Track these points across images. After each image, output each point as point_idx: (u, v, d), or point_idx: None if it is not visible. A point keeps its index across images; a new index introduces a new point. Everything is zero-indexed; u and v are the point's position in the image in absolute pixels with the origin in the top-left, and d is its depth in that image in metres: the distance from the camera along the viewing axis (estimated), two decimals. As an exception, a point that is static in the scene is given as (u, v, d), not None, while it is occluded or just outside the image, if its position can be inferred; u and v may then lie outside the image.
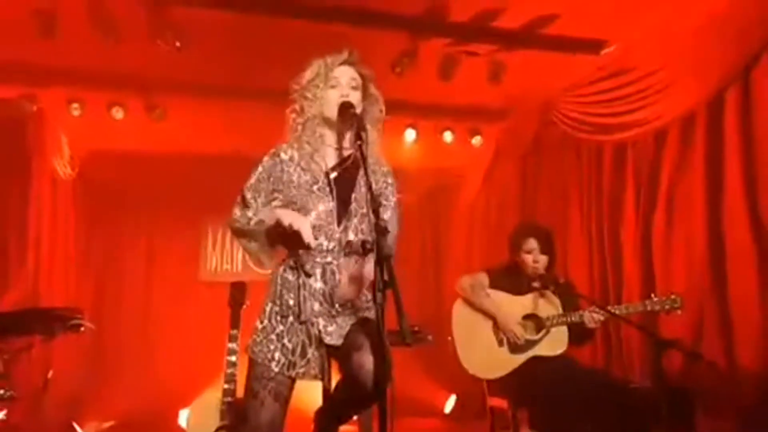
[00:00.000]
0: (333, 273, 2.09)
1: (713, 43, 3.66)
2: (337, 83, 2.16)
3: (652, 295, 3.30)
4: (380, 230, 1.79)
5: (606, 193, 4.71)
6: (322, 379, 2.09)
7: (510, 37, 4.14)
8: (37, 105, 4.68)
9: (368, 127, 2.09)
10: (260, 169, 2.18)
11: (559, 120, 4.88)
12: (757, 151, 3.54)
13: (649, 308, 3.24)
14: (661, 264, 4.14)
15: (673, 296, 3.23)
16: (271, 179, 2.15)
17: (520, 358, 3.32)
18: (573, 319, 3.30)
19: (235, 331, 3.14)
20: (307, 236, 1.98)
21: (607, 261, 4.65)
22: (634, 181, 4.45)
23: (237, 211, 2.17)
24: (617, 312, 3.26)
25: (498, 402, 3.48)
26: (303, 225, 1.99)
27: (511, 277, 3.51)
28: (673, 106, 3.98)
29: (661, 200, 4.15)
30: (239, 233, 2.18)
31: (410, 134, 5.48)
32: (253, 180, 2.17)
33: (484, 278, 3.51)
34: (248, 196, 2.15)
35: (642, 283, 4.26)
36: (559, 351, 3.31)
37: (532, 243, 3.47)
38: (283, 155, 2.17)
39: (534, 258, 3.45)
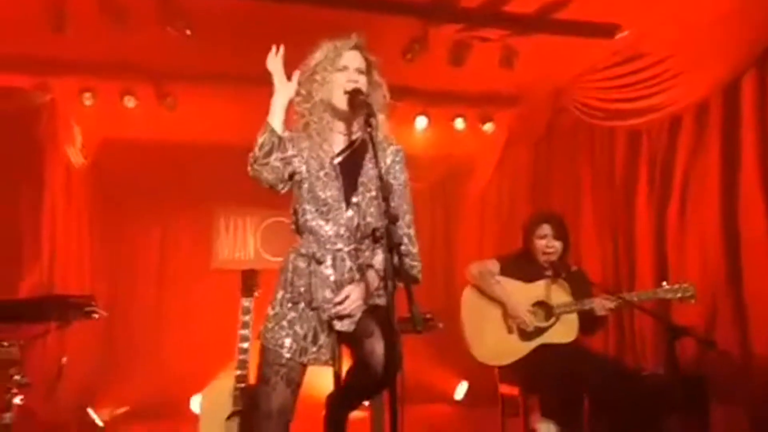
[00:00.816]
0: (343, 260, 2.10)
1: (730, 29, 3.60)
2: (345, 68, 2.15)
3: (664, 283, 3.26)
4: (391, 217, 1.79)
5: (619, 180, 4.67)
6: (333, 365, 2.10)
7: (522, 21, 4.10)
8: (50, 95, 4.71)
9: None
10: None
11: (572, 106, 4.83)
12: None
13: (660, 296, 3.21)
14: (674, 252, 4.10)
15: (685, 285, 3.18)
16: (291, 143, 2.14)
17: (530, 345, 3.31)
18: (583, 306, 3.28)
19: (246, 318, 3.15)
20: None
21: (620, 249, 4.62)
22: (647, 169, 4.40)
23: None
24: (627, 299, 3.24)
25: (509, 389, 3.48)
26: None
27: (523, 265, 3.48)
28: (689, 91, 3.93)
29: (676, 188, 4.11)
30: (256, 162, 2.08)
31: (421, 121, 5.45)
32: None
33: (494, 265, 3.50)
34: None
35: (655, 271, 4.23)
36: (569, 339, 3.29)
37: (546, 228, 3.44)
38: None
39: (547, 243, 3.42)
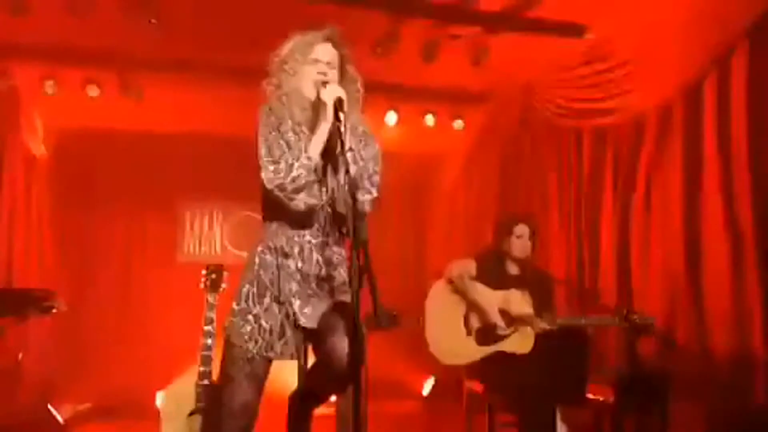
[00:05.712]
0: (311, 252, 2.08)
1: (693, 32, 3.67)
2: (316, 60, 2.12)
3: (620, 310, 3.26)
4: (357, 215, 1.78)
5: (585, 177, 4.73)
6: (299, 359, 2.08)
7: (493, 19, 4.12)
8: (11, 82, 4.57)
9: (346, 109, 2.05)
10: (265, 131, 2.07)
11: (540, 104, 4.87)
12: (734, 139, 3.57)
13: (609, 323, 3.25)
14: (637, 248, 4.17)
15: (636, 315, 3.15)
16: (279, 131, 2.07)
17: (486, 350, 3.32)
18: (541, 325, 3.25)
19: (210, 314, 3.11)
20: None
21: (585, 246, 4.68)
22: (612, 167, 4.47)
23: (271, 168, 2.00)
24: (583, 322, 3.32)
25: (475, 385, 3.51)
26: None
27: (493, 269, 3.49)
28: (654, 92, 4.00)
29: (639, 186, 4.18)
30: (285, 189, 2.00)
31: (391, 117, 5.45)
32: (267, 142, 2.04)
33: (471, 266, 3.47)
34: (275, 153, 2.02)
35: (618, 267, 4.30)
36: (524, 350, 3.28)
37: (523, 229, 3.48)
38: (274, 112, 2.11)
39: (523, 244, 3.47)
